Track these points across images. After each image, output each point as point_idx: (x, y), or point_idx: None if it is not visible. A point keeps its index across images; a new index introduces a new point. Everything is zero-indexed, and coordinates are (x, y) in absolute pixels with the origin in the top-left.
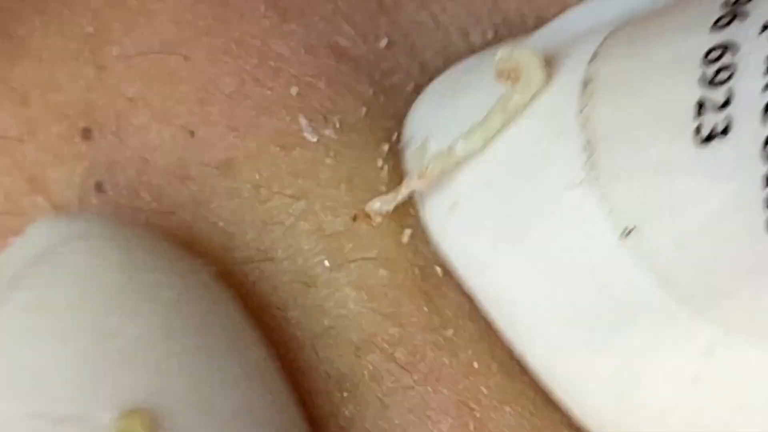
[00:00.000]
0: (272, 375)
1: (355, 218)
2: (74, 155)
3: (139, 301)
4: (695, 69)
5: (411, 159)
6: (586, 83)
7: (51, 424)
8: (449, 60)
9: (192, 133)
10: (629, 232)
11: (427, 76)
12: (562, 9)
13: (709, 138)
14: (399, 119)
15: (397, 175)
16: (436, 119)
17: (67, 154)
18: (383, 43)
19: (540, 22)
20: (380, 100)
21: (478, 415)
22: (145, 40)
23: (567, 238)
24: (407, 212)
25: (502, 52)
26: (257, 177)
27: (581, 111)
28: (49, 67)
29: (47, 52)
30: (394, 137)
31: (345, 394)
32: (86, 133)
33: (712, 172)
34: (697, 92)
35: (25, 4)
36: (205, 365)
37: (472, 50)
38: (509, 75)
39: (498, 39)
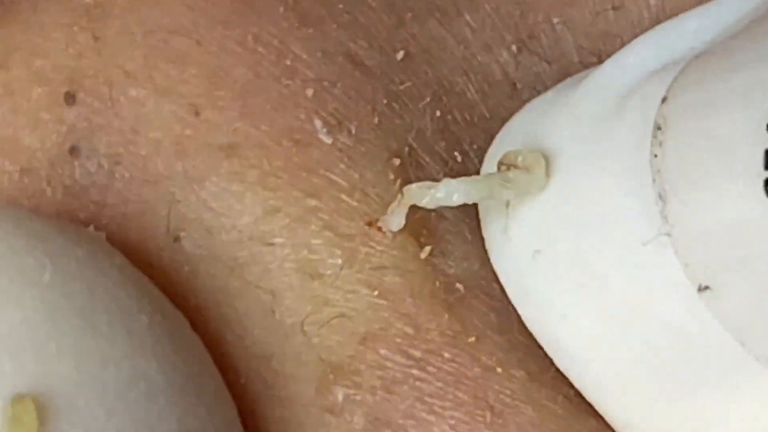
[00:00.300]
0: (169, 338)
1: (370, 224)
2: (53, 120)
3: (17, 287)
4: (762, 116)
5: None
6: (657, 128)
7: None
8: (470, 75)
9: (197, 113)
10: (705, 288)
11: (443, 90)
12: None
13: None
14: (412, 132)
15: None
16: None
17: (44, 119)
18: (400, 55)
19: (570, 29)
20: (395, 110)
21: (497, 409)
22: (153, 19)
23: (645, 292)
24: (425, 227)
25: (509, 153)
26: (266, 166)
27: (654, 157)
28: (38, 32)
29: (38, 18)
30: (406, 151)
31: (341, 379)
32: (69, 99)
33: None
34: (763, 142)
35: None
36: (90, 342)
37: (497, 65)
38: (511, 168)
39: (523, 54)
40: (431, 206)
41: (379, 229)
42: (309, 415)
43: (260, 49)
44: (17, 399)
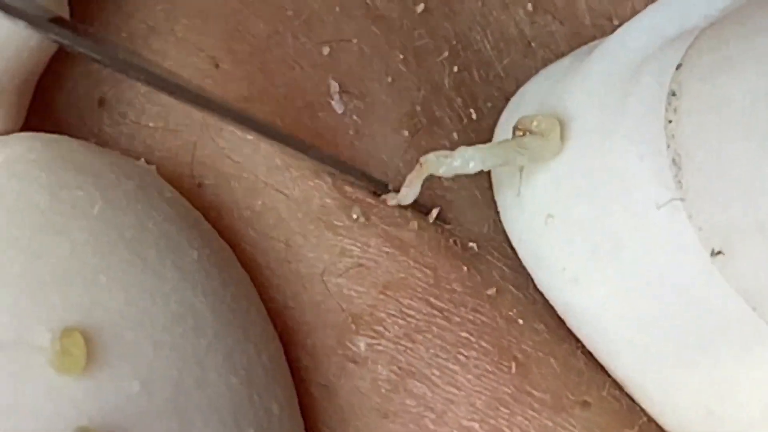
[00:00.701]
0: (219, 274)
1: (376, 194)
2: (81, 73)
3: (65, 220)
4: None
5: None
6: (671, 94)
7: None
8: (487, 31)
9: (216, 65)
10: (718, 252)
11: (461, 45)
12: None
13: None
14: (428, 87)
15: (421, 148)
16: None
17: (71, 73)
18: (420, 8)
19: None
20: (410, 66)
21: (521, 360)
22: None
23: (658, 256)
24: (433, 191)
25: (524, 118)
26: (278, 121)
27: (669, 123)
28: None
29: None
30: (419, 109)
31: (361, 328)
32: None
33: None
34: None
35: None
36: (139, 276)
37: (513, 22)
38: (526, 134)
39: (538, 13)
40: (448, 175)
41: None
42: (332, 364)
43: (279, 3)
44: (66, 332)
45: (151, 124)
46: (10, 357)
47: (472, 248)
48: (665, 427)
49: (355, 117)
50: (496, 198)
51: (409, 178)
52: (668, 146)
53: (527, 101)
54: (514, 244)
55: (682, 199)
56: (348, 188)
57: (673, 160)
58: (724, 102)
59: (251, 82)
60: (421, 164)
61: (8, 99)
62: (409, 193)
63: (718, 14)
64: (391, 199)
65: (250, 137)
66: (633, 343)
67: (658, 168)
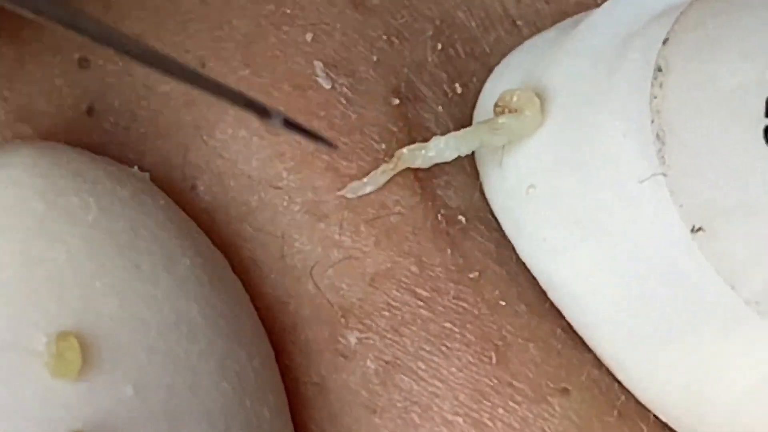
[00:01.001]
0: (210, 281)
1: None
2: (67, 84)
3: (61, 226)
4: (765, 66)
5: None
6: (657, 69)
7: None
8: (472, 10)
9: (203, 65)
10: (698, 229)
11: (445, 24)
12: None
13: None
14: (413, 65)
15: (407, 125)
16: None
17: (58, 84)
18: None
19: None
20: (394, 46)
21: (501, 349)
22: None
23: (640, 231)
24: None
25: (504, 94)
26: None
27: (654, 98)
28: None
29: None
30: (404, 85)
31: (352, 322)
32: (83, 63)
33: None
34: (765, 91)
35: None
36: (133, 282)
37: (499, 2)
38: (506, 111)
39: None
40: (425, 166)
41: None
42: (323, 360)
43: (261, 1)
44: (62, 336)
45: (141, 130)
46: (6, 360)
47: (460, 222)
48: (646, 404)
49: (345, 89)
50: (479, 167)
51: (378, 172)
52: (653, 121)
53: (512, 71)
54: (497, 214)
55: (664, 175)
56: (342, 163)
57: (657, 135)
58: (710, 80)
59: (238, 77)
60: (397, 159)
61: None
62: (369, 188)
63: None
64: (349, 193)
65: (241, 134)
66: (614, 317)
67: (643, 143)
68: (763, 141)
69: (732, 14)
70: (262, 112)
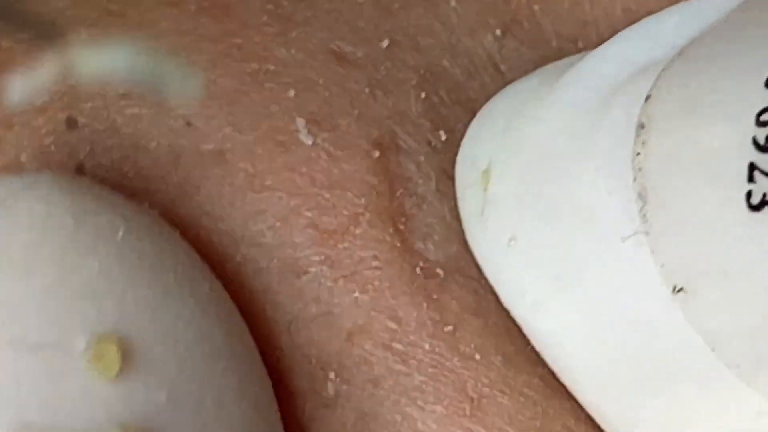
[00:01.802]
0: (224, 309)
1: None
2: (56, 144)
3: (92, 241)
4: (747, 129)
5: (466, 179)
6: (640, 126)
7: (28, 350)
8: (456, 58)
9: (188, 124)
10: (679, 290)
11: (429, 73)
12: (574, 4)
13: (761, 205)
14: (395, 116)
15: (388, 177)
16: (500, 147)
17: (47, 143)
18: (385, 43)
19: (549, 16)
20: (377, 98)
21: (476, 401)
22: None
23: (620, 288)
24: (403, 214)
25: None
26: (251, 169)
27: (636, 155)
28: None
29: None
30: (388, 137)
31: (331, 375)
32: (72, 123)
33: (762, 242)
34: (747, 156)
35: None
36: (162, 297)
37: (482, 48)
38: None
39: (507, 38)
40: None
41: (357, 222)
42: (305, 411)
43: (244, 58)
44: (102, 337)
45: (128, 185)
46: (48, 358)
47: (438, 275)
48: None
49: (326, 144)
50: (461, 215)
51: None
52: (635, 179)
53: (494, 118)
54: (479, 263)
55: (646, 233)
56: (324, 219)
57: (639, 194)
58: (692, 140)
59: (222, 135)
60: None
61: None
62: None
63: (687, 43)
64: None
65: (225, 191)
66: (595, 368)
67: (624, 200)
68: (744, 206)
69: (715, 74)
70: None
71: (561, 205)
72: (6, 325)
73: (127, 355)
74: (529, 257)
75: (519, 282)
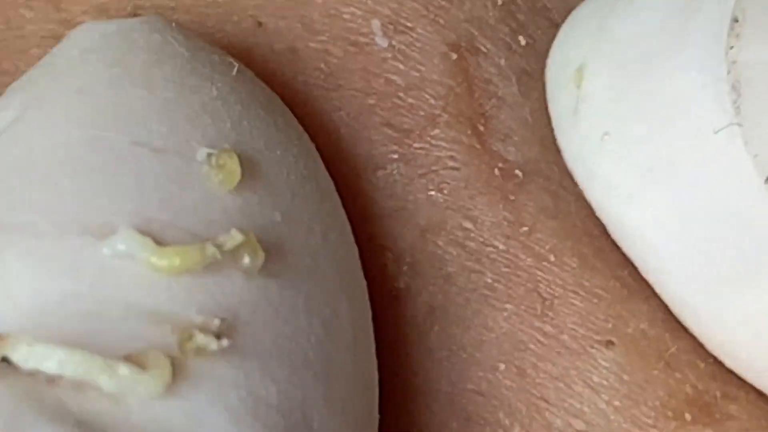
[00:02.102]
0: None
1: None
2: None
3: (209, 71)
4: None
5: (558, 79)
6: (734, 20)
7: (152, 152)
8: None
9: (260, 24)
10: None
11: None
12: None
13: None
14: (473, 21)
15: (466, 79)
16: (593, 46)
17: None
18: None
19: None
20: (453, 2)
21: (548, 302)
22: None
23: (712, 179)
24: (482, 114)
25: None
26: (323, 67)
27: (730, 49)
28: None
29: None
30: (465, 41)
31: (404, 268)
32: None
33: None
34: None
35: None
36: (274, 132)
37: None
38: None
39: None
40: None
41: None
42: (375, 300)
43: None
44: (224, 150)
45: None
46: (170, 161)
47: (517, 176)
48: (712, 350)
49: (402, 47)
50: (551, 114)
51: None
52: (729, 72)
53: (586, 20)
54: (568, 161)
55: (739, 125)
56: (399, 120)
57: (733, 86)
58: None
59: (295, 37)
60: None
61: None
62: None
63: None
64: None
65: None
66: (685, 261)
67: (718, 93)
68: None
69: None
70: None
71: (654, 100)
72: (129, 127)
73: (246, 171)
74: (622, 151)
75: (611, 177)
